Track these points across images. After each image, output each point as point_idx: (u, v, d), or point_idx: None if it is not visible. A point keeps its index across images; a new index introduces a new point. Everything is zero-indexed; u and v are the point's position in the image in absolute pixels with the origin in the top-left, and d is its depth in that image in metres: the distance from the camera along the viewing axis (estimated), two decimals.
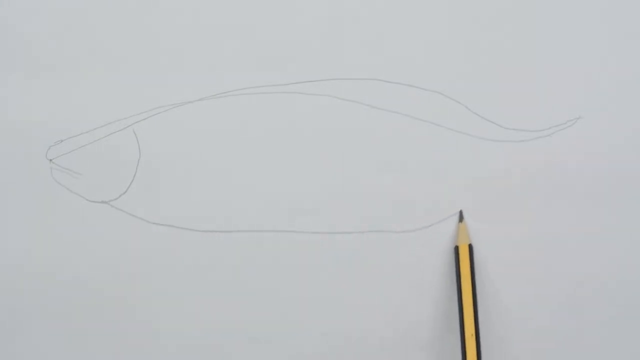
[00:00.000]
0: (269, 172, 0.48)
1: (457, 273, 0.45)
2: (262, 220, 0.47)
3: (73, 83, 0.49)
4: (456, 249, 0.45)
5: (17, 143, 0.48)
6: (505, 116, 0.47)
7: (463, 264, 0.45)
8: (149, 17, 0.49)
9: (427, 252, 0.47)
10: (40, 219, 0.48)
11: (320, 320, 0.47)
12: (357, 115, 0.48)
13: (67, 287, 0.47)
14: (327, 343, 0.47)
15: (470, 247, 0.45)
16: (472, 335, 0.43)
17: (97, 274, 0.47)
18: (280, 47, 0.48)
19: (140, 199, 0.48)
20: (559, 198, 0.47)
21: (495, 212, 0.47)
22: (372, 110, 0.48)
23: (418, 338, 0.47)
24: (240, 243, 0.47)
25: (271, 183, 0.48)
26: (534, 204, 0.47)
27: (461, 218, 0.46)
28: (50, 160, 0.48)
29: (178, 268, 0.47)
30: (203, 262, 0.47)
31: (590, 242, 0.46)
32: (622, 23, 0.48)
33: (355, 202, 0.47)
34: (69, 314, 0.47)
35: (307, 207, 0.47)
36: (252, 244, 0.47)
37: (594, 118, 0.47)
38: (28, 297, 0.48)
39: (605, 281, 0.46)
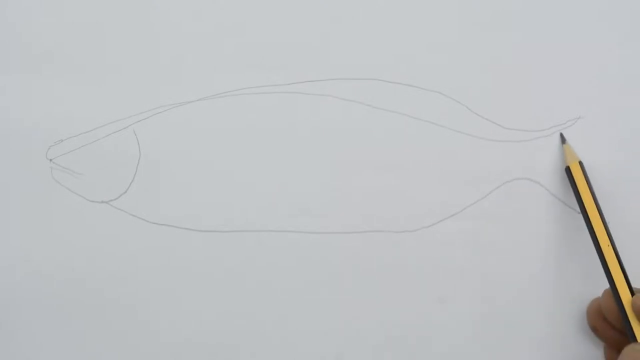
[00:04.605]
0: (269, 172, 0.48)
1: (575, 192, 0.45)
2: (262, 220, 0.47)
3: (73, 83, 0.49)
4: (567, 169, 0.45)
5: (17, 143, 0.48)
6: (506, 116, 0.47)
7: (579, 181, 0.44)
8: (149, 17, 0.49)
9: (427, 252, 0.47)
10: (40, 219, 0.48)
11: (320, 320, 0.47)
12: (357, 115, 0.48)
13: (67, 286, 0.47)
14: (327, 343, 0.47)
15: (581, 163, 0.45)
16: (608, 245, 0.43)
17: (97, 273, 0.47)
18: (280, 47, 0.48)
19: (140, 199, 0.48)
20: (559, 198, 0.47)
21: (497, 210, 0.47)
22: (372, 110, 0.48)
23: (418, 338, 0.46)
24: (240, 243, 0.47)
25: (271, 183, 0.48)
26: (533, 203, 0.47)
27: (563, 140, 0.46)
28: (50, 160, 0.48)
29: (178, 268, 0.47)
30: (203, 261, 0.47)
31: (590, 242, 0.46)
32: (622, 23, 0.48)
33: (355, 202, 0.47)
34: (69, 314, 0.47)
35: (307, 207, 0.47)
36: (252, 244, 0.47)
37: (594, 118, 0.47)
38: (28, 296, 0.47)
39: None
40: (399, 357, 0.46)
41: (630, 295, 0.41)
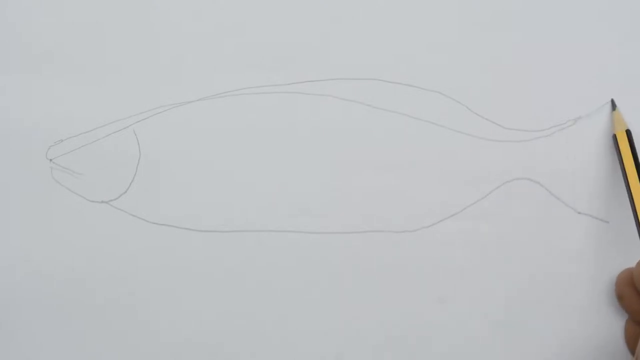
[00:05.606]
0: (269, 172, 0.48)
1: (619, 159, 0.45)
2: (262, 220, 0.47)
3: (73, 83, 0.49)
4: (614, 137, 0.45)
5: (17, 143, 0.48)
6: (506, 116, 0.47)
7: (623, 148, 0.44)
8: (149, 17, 0.49)
9: (427, 252, 0.47)
10: (40, 219, 0.48)
11: (320, 320, 0.47)
12: (357, 115, 0.48)
13: (67, 287, 0.47)
14: (327, 343, 0.47)
15: (629, 132, 0.45)
16: None
17: (97, 273, 0.47)
18: (280, 47, 0.48)
19: (140, 198, 0.48)
20: (559, 198, 0.47)
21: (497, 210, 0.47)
22: (372, 110, 0.48)
23: (418, 338, 0.46)
24: (240, 243, 0.47)
25: (271, 183, 0.48)
26: (533, 203, 0.47)
27: (614, 106, 0.46)
28: (50, 160, 0.48)
29: (178, 267, 0.47)
30: (203, 261, 0.47)
31: (591, 242, 0.46)
32: (622, 23, 0.48)
33: (355, 202, 0.47)
34: (69, 314, 0.47)
35: (307, 207, 0.47)
36: (252, 244, 0.47)
37: (594, 118, 0.47)
38: (28, 296, 0.47)
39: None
40: (399, 357, 0.46)
41: None
